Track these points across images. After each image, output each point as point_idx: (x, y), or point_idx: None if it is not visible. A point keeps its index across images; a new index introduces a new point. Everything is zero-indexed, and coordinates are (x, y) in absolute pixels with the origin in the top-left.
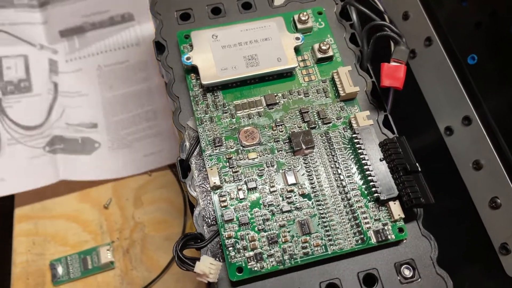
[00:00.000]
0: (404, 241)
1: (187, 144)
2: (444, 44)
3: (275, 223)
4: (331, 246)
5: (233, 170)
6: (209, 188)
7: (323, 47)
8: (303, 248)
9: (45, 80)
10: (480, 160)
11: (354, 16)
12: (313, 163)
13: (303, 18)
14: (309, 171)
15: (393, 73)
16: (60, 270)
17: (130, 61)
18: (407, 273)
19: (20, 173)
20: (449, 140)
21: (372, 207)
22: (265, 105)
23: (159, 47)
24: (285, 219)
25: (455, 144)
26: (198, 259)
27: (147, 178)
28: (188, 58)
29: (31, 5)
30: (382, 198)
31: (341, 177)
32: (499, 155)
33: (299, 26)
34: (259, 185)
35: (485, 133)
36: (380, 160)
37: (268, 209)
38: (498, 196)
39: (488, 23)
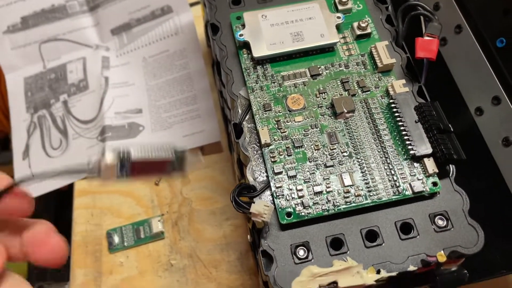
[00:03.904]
0: (438, 194)
1: (239, 110)
2: (474, 30)
3: (319, 176)
4: (371, 196)
5: (281, 131)
6: (259, 147)
7: (362, 25)
8: (345, 197)
9: (98, 76)
10: (509, 137)
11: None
12: (354, 125)
13: (343, 0)
14: (350, 132)
15: (427, 46)
16: (116, 238)
17: (170, 50)
18: (441, 223)
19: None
20: (479, 120)
21: (408, 164)
22: (309, 76)
23: (214, 28)
24: (328, 172)
25: (485, 123)
26: (253, 203)
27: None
28: (241, 35)
29: (82, 11)
30: (417, 154)
31: (380, 137)
32: None
33: (340, 7)
34: (304, 143)
35: None
36: (416, 122)
37: (312, 164)
38: None
39: None
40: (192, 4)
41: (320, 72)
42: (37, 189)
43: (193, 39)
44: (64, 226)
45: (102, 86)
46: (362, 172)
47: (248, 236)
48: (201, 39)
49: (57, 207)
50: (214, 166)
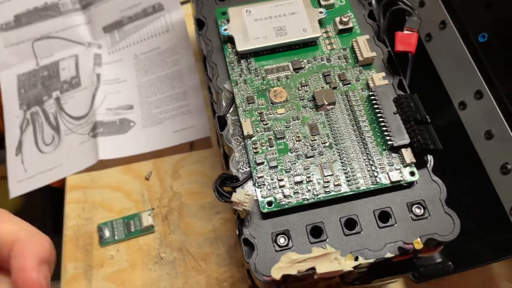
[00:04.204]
0: (415, 184)
1: (224, 103)
2: (457, 25)
3: (300, 166)
4: (350, 186)
5: (264, 123)
6: (242, 139)
7: (344, 19)
8: (324, 187)
9: (90, 73)
10: (491, 130)
11: None
12: (334, 117)
13: None
14: (330, 124)
15: (406, 40)
16: (106, 232)
17: (161, 47)
18: (418, 211)
19: (72, 158)
20: (463, 114)
21: (387, 154)
22: (292, 69)
23: (200, 23)
24: (309, 163)
25: (468, 117)
26: (235, 192)
27: (184, 154)
28: (225, 29)
29: (75, 9)
30: (395, 145)
31: (359, 128)
32: (509, 124)
33: (322, 2)
34: (286, 135)
35: (495, 104)
36: (394, 114)
37: (293, 154)
38: (508, 162)
39: (498, 1)
40: (183, 3)
41: (303, 66)
42: (29, 184)
43: (184, 36)
44: (60, 222)
45: (94, 82)
46: (341, 162)
47: (237, 230)
48: (191, 36)
49: (54, 204)
50: (204, 161)
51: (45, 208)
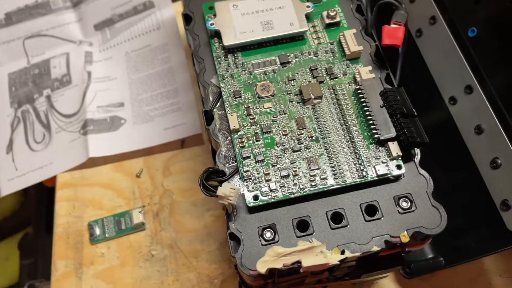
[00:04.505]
0: (402, 177)
1: (211, 98)
2: (447, 20)
3: (286, 160)
4: (336, 179)
5: (251, 117)
6: (229, 134)
7: (331, 14)
8: (311, 181)
9: (81, 71)
10: (481, 125)
11: None
12: (321, 111)
13: None
14: (317, 118)
15: (393, 34)
16: (97, 230)
17: (152, 44)
18: (405, 205)
19: (63, 156)
20: (453, 108)
21: (373, 148)
22: (279, 63)
23: (187, 18)
24: (296, 156)
25: (459, 112)
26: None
27: (175, 151)
28: (212, 24)
29: (66, 7)
30: (381, 138)
31: (346, 122)
32: (499, 119)
33: None
34: (273, 129)
35: (485, 99)
36: (381, 107)
37: (280, 148)
38: (498, 157)
39: None
40: (174, 0)
41: (290, 60)
42: (20, 182)
43: (175, 33)
44: (47, 219)
45: (85, 80)
46: (328, 156)
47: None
48: (182, 34)
49: (47, 204)
50: (195, 159)
51: (40, 208)
